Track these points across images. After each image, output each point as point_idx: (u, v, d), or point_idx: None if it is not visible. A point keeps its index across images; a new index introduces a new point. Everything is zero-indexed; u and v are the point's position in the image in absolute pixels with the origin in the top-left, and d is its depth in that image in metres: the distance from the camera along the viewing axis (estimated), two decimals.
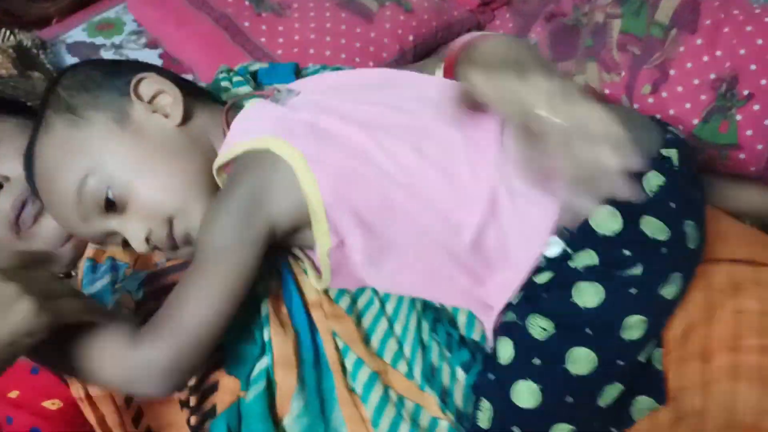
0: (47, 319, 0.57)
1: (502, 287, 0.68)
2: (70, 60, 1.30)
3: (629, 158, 0.54)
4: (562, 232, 0.65)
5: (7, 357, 0.57)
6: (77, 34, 1.36)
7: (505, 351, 0.66)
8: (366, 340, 0.72)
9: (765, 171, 1.20)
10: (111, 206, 0.69)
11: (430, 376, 0.70)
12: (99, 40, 1.34)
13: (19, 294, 0.56)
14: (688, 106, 1.20)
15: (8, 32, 1.26)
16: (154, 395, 0.69)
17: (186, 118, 0.73)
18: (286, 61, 1.30)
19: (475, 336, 0.74)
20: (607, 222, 0.64)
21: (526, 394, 0.63)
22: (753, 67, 1.14)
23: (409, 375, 0.70)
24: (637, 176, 0.65)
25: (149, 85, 0.72)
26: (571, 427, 0.64)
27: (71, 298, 0.61)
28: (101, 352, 0.62)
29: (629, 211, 0.64)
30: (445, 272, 0.69)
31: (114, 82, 0.72)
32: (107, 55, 1.32)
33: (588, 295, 0.63)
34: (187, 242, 0.71)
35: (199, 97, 0.77)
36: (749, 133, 1.16)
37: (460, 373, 0.71)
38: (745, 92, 1.14)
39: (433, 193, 0.66)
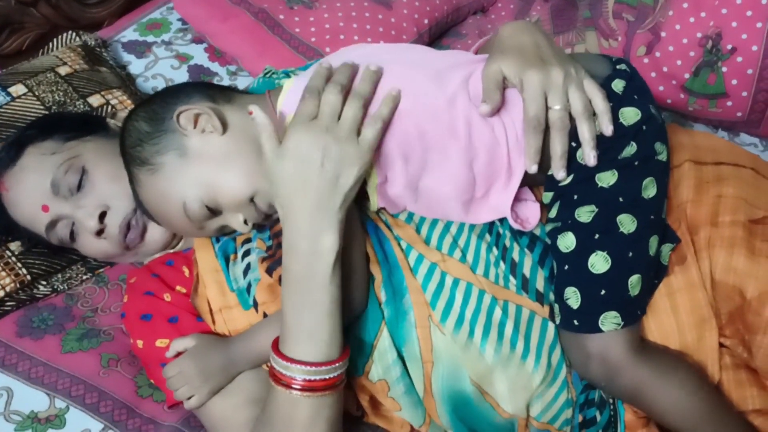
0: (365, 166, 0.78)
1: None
2: (128, 56, 1.45)
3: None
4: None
5: (350, 197, 0.78)
6: (129, 34, 1.49)
7: (567, 242, 0.80)
8: (427, 241, 0.87)
9: (750, 115, 1.37)
10: (212, 212, 0.86)
11: (485, 258, 0.86)
12: (150, 38, 1.49)
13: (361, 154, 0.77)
14: (679, 62, 1.35)
15: (74, 34, 1.39)
16: None
17: (224, 123, 0.87)
18: (321, 48, 1.45)
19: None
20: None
21: (600, 261, 0.78)
22: (734, 24, 1.29)
23: (462, 259, 0.85)
24: (607, 83, 0.83)
25: (186, 116, 0.85)
26: (638, 275, 0.79)
27: None
28: None
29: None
30: (466, 183, 0.83)
31: (161, 127, 0.86)
32: (159, 50, 1.46)
33: (607, 179, 0.80)
34: (273, 209, 0.86)
35: (232, 97, 0.90)
36: (734, 82, 1.32)
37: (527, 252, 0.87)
38: (729, 46, 1.29)
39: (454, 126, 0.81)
